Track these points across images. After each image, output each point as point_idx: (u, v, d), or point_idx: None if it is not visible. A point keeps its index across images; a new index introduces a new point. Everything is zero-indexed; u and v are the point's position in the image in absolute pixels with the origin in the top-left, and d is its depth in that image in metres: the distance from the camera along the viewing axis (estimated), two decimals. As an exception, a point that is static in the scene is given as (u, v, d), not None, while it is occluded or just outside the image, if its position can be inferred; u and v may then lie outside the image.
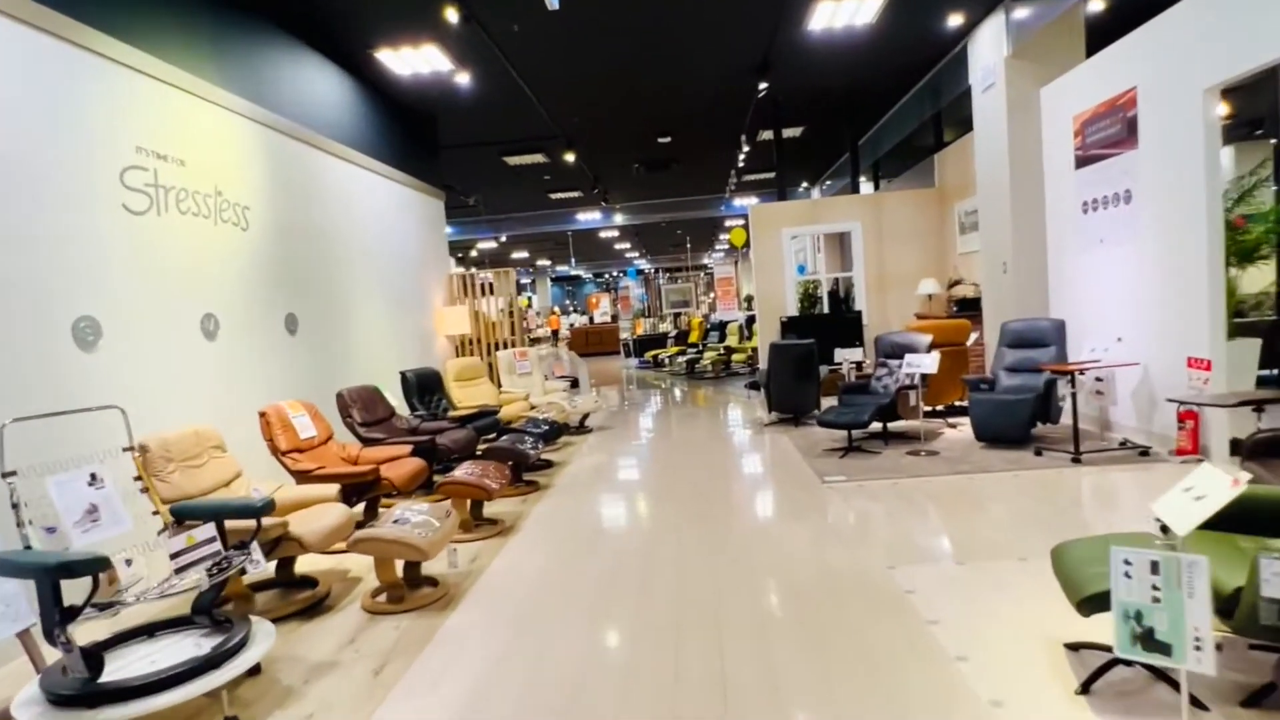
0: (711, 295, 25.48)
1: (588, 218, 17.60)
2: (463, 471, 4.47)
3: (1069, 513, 4.17)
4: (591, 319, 25.94)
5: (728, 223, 20.13)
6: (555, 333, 22.23)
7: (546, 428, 6.29)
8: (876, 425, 6.09)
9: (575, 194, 14.98)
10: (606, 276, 37.55)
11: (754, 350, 11.46)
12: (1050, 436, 5.82)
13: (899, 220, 9.54)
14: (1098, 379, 5.53)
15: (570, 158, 10.58)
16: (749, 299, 18.50)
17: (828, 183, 15.28)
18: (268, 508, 2.89)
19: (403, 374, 6.61)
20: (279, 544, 3.33)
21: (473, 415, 6.43)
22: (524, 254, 26.30)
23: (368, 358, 6.82)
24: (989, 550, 3.61)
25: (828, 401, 6.96)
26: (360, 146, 7.13)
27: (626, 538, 4.30)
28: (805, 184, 16.20)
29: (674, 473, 5.85)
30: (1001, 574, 3.27)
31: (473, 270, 9.18)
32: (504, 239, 19.72)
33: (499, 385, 8.63)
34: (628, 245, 25.66)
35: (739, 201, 16.77)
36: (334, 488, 3.97)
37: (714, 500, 4.92)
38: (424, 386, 6.73)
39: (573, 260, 24.17)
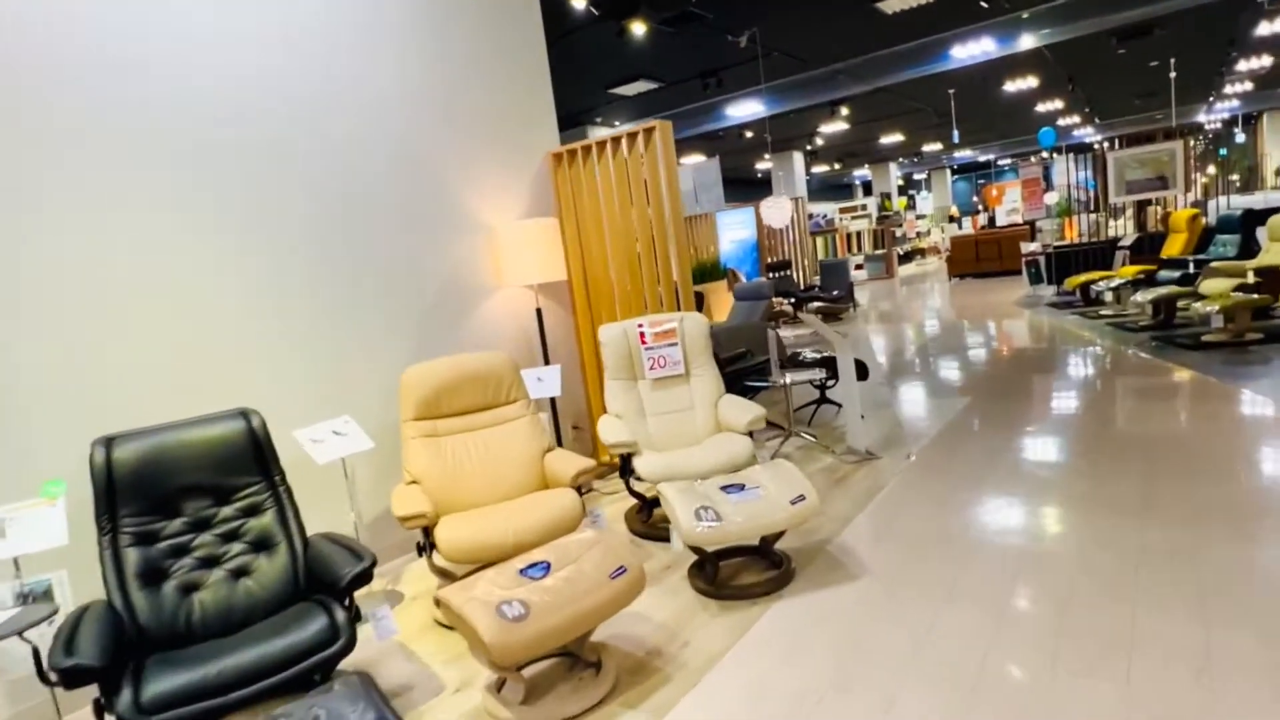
0: (1210, 170, 15.36)
1: (968, 52, 10.49)
2: None
3: None
4: (992, 220, 18.10)
5: (1257, 32, 10.78)
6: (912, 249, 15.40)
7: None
8: None
9: (929, -3, 8.33)
10: (1033, 159, 27.54)
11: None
12: None
13: None
14: None
15: None
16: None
17: None
18: None
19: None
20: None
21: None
22: (896, 137, 19.26)
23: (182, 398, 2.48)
24: None
25: None
26: None
27: None
28: None
29: None
30: None
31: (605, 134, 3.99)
32: (844, 110, 13.58)
33: (602, 411, 3.58)
34: (1058, 105, 16.81)
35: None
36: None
37: None
38: (132, 492, 2.14)
39: (955, 136, 16.49)
